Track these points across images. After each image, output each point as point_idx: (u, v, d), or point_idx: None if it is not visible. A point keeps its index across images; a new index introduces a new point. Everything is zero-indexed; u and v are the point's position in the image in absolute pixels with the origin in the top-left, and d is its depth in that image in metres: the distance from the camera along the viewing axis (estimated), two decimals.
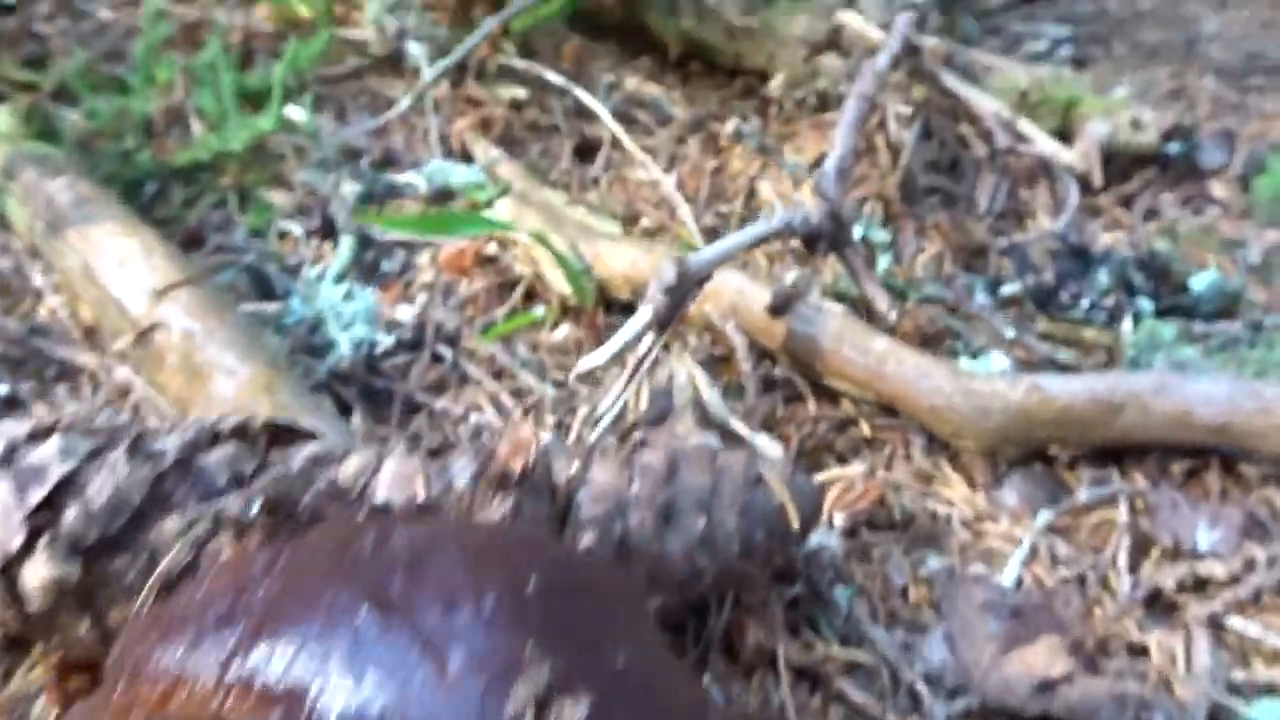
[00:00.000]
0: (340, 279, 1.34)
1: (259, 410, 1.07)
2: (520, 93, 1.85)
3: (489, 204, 1.56)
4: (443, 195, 1.62)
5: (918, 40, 1.59)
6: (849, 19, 1.69)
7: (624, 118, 1.84)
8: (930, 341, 1.34)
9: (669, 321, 1.16)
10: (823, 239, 1.27)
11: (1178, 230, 1.53)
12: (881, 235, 1.35)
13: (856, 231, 1.33)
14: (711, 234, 1.56)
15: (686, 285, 1.16)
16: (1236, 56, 1.97)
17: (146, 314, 1.15)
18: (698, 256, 1.17)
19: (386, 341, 1.23)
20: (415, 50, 1.84)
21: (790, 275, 1.42)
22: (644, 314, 1.14)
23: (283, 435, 0.88)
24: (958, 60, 1.70)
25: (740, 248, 1.21)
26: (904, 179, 1.54)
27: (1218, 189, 1.61)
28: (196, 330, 1.12)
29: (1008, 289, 1.40)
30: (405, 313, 1.32)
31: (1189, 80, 1.90)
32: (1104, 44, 2.06)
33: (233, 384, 1.08)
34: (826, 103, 1.74)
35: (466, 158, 1.71)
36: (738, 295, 1.29)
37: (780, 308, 1.25)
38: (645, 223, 1.61)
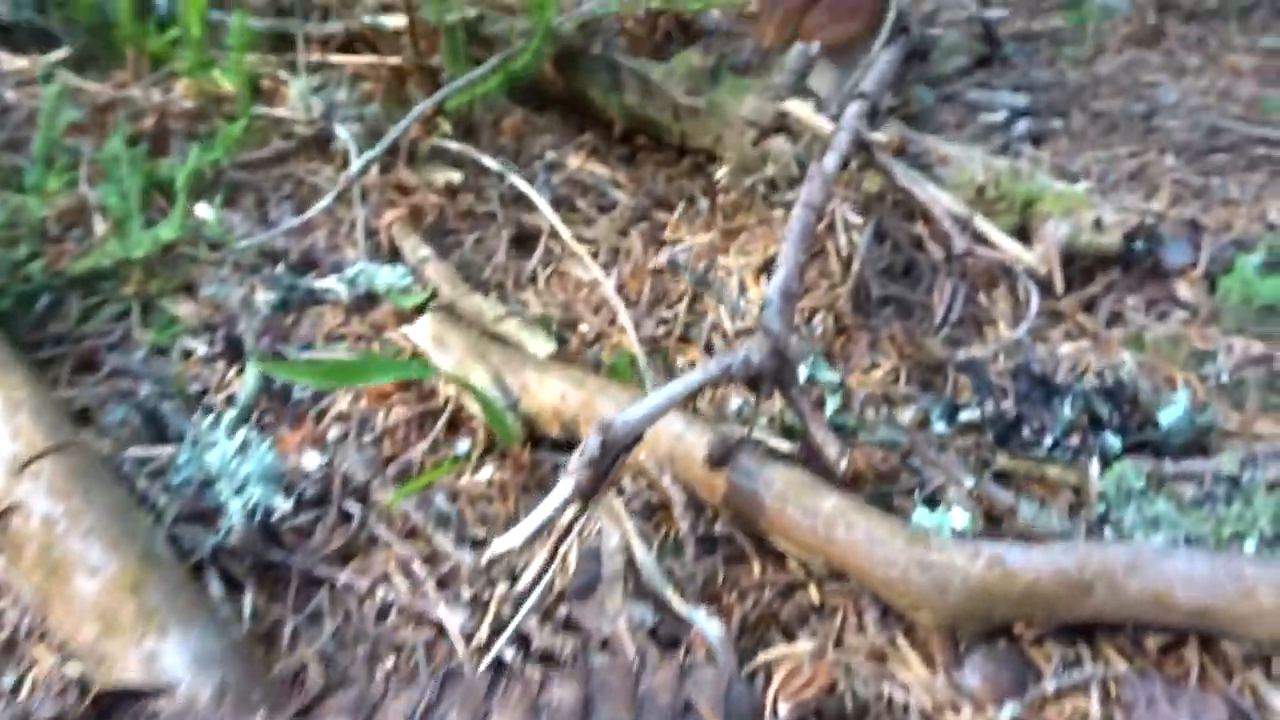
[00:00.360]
0: (240, 423, 1.16)
1: (123, 614, 0.90)
2: (455, 176, 1.66)
3: (416, 312, 1.39)
4: (366, 300, 1.44)
5: (868, 135, 1.43)
6: (794, 107, 1.52)
7: (564, 203, 1.66)
8: (884, 479, 1.18)
9: (594, 492, 1.00)
10: (766, 380, 1.11)
11: (1144, 339, 1.38)
12: (829, 375, 1.19)
13: (803, 371, 1.17)
14: (652, 344, 1.39)
15: (613, 452, 1.00)
16: (1197, 131, 1.82)
17: (4, 491, 0.97)
18: (625, 418, 1.00)
19: (285, 506, 1.05)
20: (343, 133, 1.65)
21: (735, 402, 1.27)
22: (565, 487, 0.97)
23: (123, 700, 0.71)
24: (912, 149, 1.54)
25: (674, 402, 1.04)
26: (856, 287, 1.38)
27: (1183, 290, 1.46)
28: (58, 515, 0.94)
29: (966, 415, 1.24)
30: (311, 460, 1.15)
31: (1150, 158, 1.75)
32: (1063, 115, 1.90)
33: (96, 584, 0.91)
34: (776, 190, 1.58)
35: (394, 254, 1.53)
36: (676, 441, 1.12)
37: (719, 459, 1.09)
38: (584, 328, 1.44)
